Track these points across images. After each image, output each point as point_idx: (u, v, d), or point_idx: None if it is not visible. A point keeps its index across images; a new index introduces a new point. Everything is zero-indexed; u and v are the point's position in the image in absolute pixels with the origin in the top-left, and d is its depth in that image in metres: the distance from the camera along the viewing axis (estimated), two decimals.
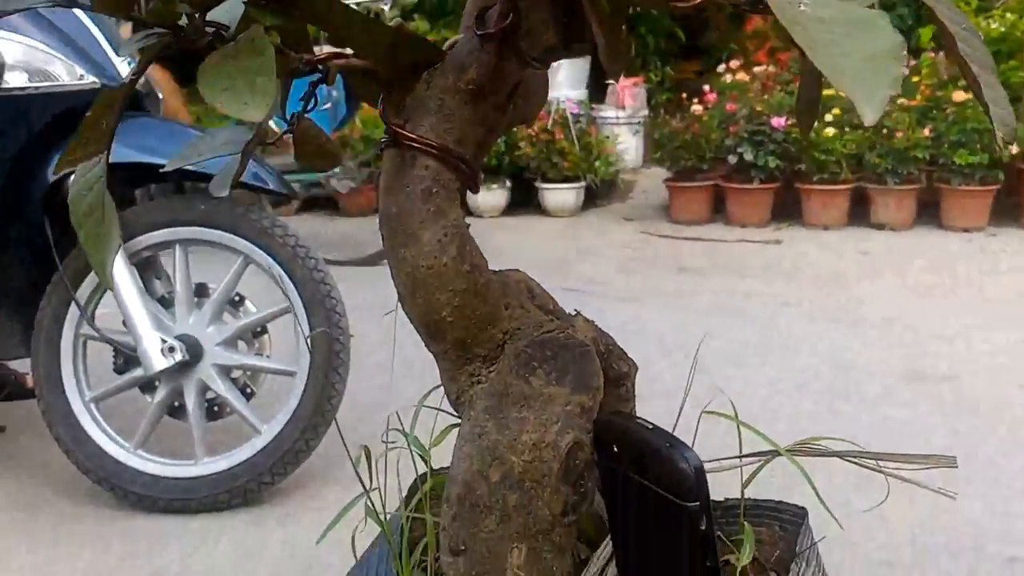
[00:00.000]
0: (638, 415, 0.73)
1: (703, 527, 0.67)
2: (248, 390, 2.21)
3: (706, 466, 0.89)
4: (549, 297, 0.79)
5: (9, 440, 2.51)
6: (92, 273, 2.08)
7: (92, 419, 2.13)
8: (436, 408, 0.81)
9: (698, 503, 0.66)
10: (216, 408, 2.20)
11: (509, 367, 0.71)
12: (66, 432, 2.11)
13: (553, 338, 0.73)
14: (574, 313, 0.83)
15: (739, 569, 0.85)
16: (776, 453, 0.85)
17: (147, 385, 2.16)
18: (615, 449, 0.72)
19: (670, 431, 0.69)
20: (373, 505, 0.79)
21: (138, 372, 2.10)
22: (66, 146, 0.68)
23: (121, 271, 2.03)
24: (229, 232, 2.11)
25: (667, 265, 4.24)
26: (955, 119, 4.99)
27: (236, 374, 2.19)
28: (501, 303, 0.72)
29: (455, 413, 0.75)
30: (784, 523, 0.95)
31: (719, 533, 0.93)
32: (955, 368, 2.82)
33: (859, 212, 5.25)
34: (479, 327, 0.71)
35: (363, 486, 0.79)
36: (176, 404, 2.17)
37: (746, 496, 0.95)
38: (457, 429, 0.75)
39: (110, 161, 0.69)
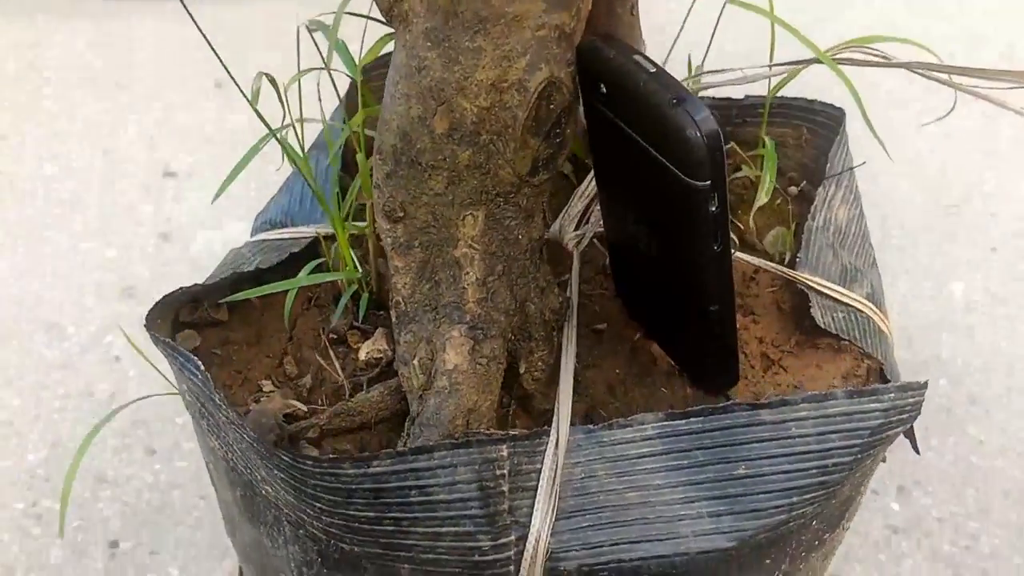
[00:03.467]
0: (638, 52, 0.53)
1: (714, 208, 0.50)
2: None
3: (727, 78, 0.71)
4: None
5: None
6: None
7: None
8: (365, 16, 0.60)
9: (709, 182, 0.49)
10: None
11: None
12: None
13: None
14: None
15: (755, 202, 0.70)
16: (816, 61, 0.66)
17: None
18: (603, 90, 0.54)
19: (676, 79, 0.50)
20: (289, 145, 0.61)
21: None
22: None
23: None
24: None
25: None
26: None
27: None
28: None
29: (388, 23, 0.56)
30: (815, 125, 0.79)
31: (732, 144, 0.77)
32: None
33: None
34: None
35: (266, 126, 0.60)
36: None
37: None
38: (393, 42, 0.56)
39: None
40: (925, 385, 0.56)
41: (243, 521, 0.60)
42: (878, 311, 0.67)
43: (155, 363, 0.69)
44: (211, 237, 1.45)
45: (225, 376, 0.61)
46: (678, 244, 0.54)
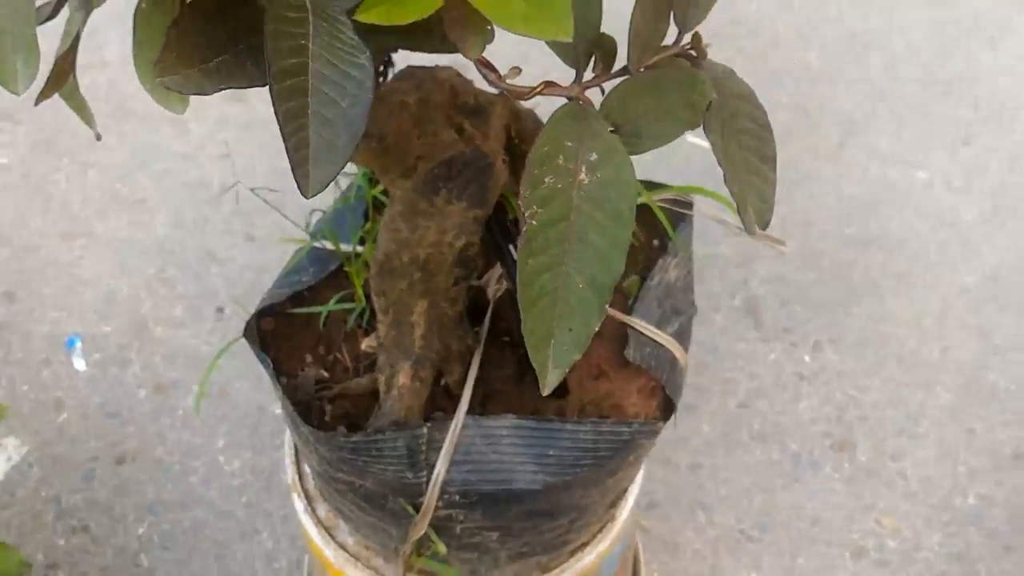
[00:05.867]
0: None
1: None
2: None
3: None
4: (471, 90, 0.94)
5: None
6: None
7: None
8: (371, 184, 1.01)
9: None
10: None
11: (417, 186, 0.91)
12: None
13: (459, 155, 0.91)
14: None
15: None
16: (645, 205, 1.05)
17: None
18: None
19: None
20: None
21: None
22: None
23: None
24: None
25: None
26: None
27: None
28: (413, 139, 0.90)
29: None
30: (677, 205, 1.18)
31: None
32: None
33: None
34: (392, 165, 0.90)
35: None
36: None
37: None
38: None
39: None
40: (659, 428, 1.01)
41: (289, 427, 1.09)
42: (678, 345, 1.10)
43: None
44: None
45: (287, 348, 1.08)
46: None
